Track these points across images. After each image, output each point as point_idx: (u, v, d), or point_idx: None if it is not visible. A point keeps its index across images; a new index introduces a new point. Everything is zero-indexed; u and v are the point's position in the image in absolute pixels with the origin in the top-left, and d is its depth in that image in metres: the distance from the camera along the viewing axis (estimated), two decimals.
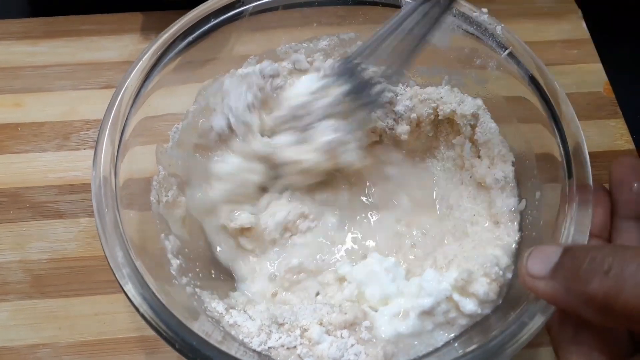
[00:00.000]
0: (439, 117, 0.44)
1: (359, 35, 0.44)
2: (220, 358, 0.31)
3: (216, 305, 0.37)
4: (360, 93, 0.40)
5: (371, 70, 0.39)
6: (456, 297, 0.36)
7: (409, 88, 0.45)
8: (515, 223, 0.40)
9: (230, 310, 0.37)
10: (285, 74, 0.44)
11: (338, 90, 0.40)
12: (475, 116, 0.42)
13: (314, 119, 0.40)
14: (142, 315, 0.31)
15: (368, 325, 0.36)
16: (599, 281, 0.26)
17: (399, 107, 0.44)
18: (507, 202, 0.40)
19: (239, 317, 0.36)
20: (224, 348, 0.31)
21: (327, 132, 0.40)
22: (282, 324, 0.36)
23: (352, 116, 0.40)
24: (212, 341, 0.31)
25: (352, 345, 0.35)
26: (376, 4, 0.42)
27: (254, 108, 0.41)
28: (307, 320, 0.36)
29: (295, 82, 0.43)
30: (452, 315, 0.36)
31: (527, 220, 0.39)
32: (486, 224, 0.41)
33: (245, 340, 0.35)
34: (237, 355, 0.31)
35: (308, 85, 0.41)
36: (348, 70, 0.40)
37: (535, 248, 0.30)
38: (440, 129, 0.45)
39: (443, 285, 0.36)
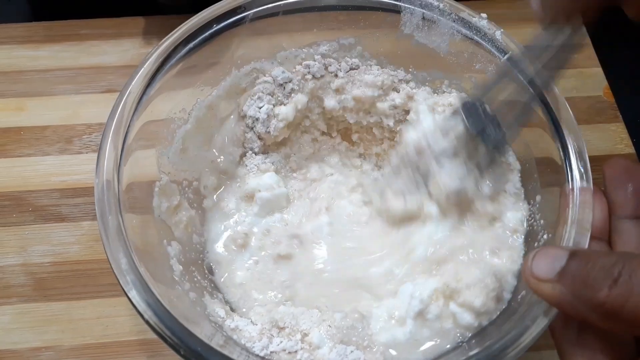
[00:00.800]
0: None
1: (359, 40, 0.45)
2: None
3: (219, 310, 0.37)
4: (484, 133, 0.37)
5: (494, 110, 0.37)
6: (453, 308, 0.36)
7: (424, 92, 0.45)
8: (520, 234, 0.39)
9: (232, 315, 0.37)
10: (299, 78, 0.45)
11: (460, 129, 0.37)
12: None
13: (434, 160, 0.38)
14: (147, 322, 0.31)
15: (367, 330, 0.36)
16: (608, 288, 0.26)
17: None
18: (513, 213, 0.40)
19: (240, 322, 0.37)
20: (227, 353, 0.31)
21: (451, 178, 0.38)
22: (282, 328, 0.36)
23: (476, 157, 0.38)
24: (216, 346, 0.31)
25: (352, 352, 0.35)
26: (376, 9, 0.42)
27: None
28: (307, 324, 0.37)
29: (413, 122, 0.42)
30: (449, 327, 0.36)
31: (528, 223, 0.40)
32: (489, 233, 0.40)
33: (248, 344, 0.35)
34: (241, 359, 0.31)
35: (428, 125, 0.40)
36: (470, 109, 0.37)
37: (541, 250, 0.30)
38: None
39: (429, 286, 0.36)
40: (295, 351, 0.35)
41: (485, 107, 0.37)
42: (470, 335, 0.36)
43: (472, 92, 0.39)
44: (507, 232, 0.39)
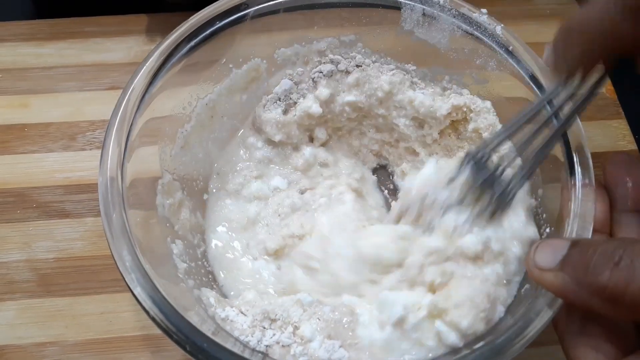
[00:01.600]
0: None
1: (359, 37, 0.45)
2: (231, 359, 0.31)
3: (211, 298, 0.37)
4: (490, 185, 0.36)
5: (503, 164, 0.36)
6: (439, 326, 0.35)
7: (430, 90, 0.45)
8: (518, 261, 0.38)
9: (222, 303, 0.37)
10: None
11: (465, 179, 0.36)
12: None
13: (439, 211, 0.37)
14: (153, 318, 0.31)
15: (353, 325, 0.36)
16: (610, 272, 0.26)
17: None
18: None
19: (230, 312, 0.37)
20: (231, 347, 0.31)
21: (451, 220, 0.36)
22: (274, 320, 0.36)
23: (480, 207, 0.36)
24: (222, 342, 0.31)
25: (340, 347, 0.35)
26: (377, 6, 0.43)
27: None
28: (297, 316, 0.36)
29: (416, 172, 0.42)
30: (431, 344, 0.35)
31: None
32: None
33: (241, 337, 0.35)
34: (246, 355, 0.31)
35: (431, 175, 0.39)
36: (477, 160, 0.36)
37: (543, 241, 0.30)
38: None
39: (415, 299, 0.35)
40: (289, 345, 0.35)
41: (491, 157, 0.36)
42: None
43: (478, 143, 0.38)
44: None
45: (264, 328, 0.36)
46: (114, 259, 0.33)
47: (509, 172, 0.36)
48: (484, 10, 0.41)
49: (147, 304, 0.31)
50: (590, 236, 0.33)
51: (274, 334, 0.35)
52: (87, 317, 0.43)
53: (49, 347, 0.41)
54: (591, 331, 0.30)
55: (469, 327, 0.34)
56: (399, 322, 0.35)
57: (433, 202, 0.37)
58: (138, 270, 0.32)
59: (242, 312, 0.37)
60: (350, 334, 0.36)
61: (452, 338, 0.34)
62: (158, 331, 0.31)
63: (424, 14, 0.42)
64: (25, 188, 0.48)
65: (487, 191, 0.36)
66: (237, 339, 0.35)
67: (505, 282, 0.36)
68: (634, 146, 0.51)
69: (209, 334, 0.31)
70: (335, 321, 0.36)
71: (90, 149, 0.50)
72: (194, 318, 0.32)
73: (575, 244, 0.29)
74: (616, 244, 0.27)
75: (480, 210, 0.36)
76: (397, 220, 0.39)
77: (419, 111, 0.44)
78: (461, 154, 0.45)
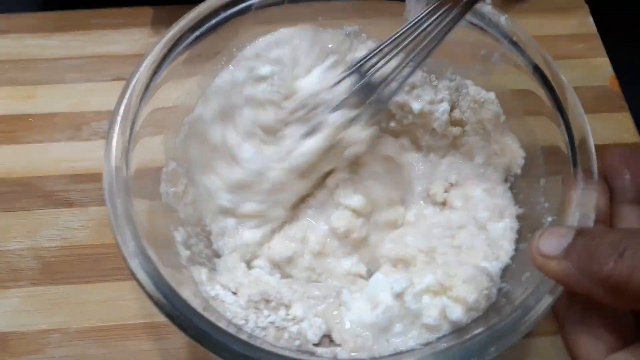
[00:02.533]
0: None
1: (363, 28, 0.45)
2: (233, 344, 0.31)
3: (212, 283, 0.38)
4: (372, 90, 0.39)
5: (385, 69, 0.39)
6: (444, 301, 0.35)
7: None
8: (510, 241, 0.40)
9: (213, 281, 0.38)
10: None
11: (350, 84, 0.39)
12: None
13: (323, 109, 0.39)
14: (156, 302, 0.31)
15: (337, 305, 0.36)
16: (614, 262, 0.26)
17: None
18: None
19: (220, 291, 0.37)
20: (233, 332, 0.32)
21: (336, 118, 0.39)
22: (269, 301, 0.36)
23: (361, 110, 0.40)
24: (224, 327, 0.32)
25: (324, 327, 0.36)
26: None
27: None
28: (289, 296, 0.36)
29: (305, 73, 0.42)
30: (431, 322, 0.35)
31: (530, 206, 0.40)
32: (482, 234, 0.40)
33: (234, 320, 0.35)
34: (244, 338, 0.31)
35: (319, 77, 0.41)
36: (361, 66, 0.39)
37: (547, 229, 0.30)
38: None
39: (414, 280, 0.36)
40: (284, 328, 0.35)
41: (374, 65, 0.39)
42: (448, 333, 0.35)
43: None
44: (496, 233, 0.40)
45: (259, 309, 0.36)
46: (118, 244, 0.33)
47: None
48: (488, 1, 0.41)
49: (150, 288, 0.32)
50: (592, 225, 0.33)
51: (269, 314, 0.36)
52: (90, 304, 0.43)
53: (52, 334, 0.42)
54: (592, 320, 0.30)
55: (475, 301, 0.34)
56: (400, 295, 0.35)
57: (318, 101, 0.39)
58: (142, 254, 0.32)
59: (232, 291, 0.37)
60: (335, 312, 0.36)
61: (457, 312, 0.34)
62: (160, 319, 0.32)
63: (427, 5, 0.42)
64: (30, 177, 0.48)
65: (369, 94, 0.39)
66: (230, 321, 0.35)
67: (492, 256, 0.38)
68: (637, 139, 0.51)
69: (212, 319, 0.31)
70: (321, 298, 0.37)
71: (96, 139, 0.50)
72: (196, 304, 0.32)
73: (580, 232, 0.29)
74: (622, 234, 0.27)
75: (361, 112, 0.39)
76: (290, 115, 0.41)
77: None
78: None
